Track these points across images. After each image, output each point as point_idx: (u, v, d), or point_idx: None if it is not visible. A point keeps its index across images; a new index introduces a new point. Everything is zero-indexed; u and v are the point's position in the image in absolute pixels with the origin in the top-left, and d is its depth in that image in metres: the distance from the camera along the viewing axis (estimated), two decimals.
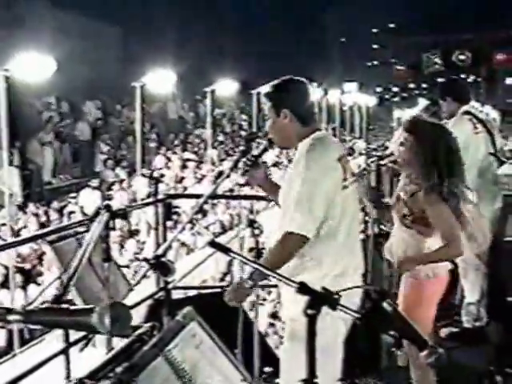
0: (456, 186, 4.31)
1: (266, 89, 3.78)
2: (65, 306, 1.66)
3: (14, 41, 14.92)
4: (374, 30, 67.02)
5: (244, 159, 3.86)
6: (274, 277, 2.57)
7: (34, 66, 13.00)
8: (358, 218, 3.88)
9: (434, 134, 4.39)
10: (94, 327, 1.57)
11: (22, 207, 15.26)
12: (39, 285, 11.73)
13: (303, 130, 3.68)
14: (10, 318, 1.62)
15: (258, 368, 4.53)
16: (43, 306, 1.66)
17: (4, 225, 12.33)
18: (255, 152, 3.88)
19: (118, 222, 14.08)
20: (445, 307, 6.96)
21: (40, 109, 20.64)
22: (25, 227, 13.96)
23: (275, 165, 21.25)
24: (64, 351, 4.44)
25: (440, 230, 4.29)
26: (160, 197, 6.11)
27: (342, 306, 2.32)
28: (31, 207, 15.07)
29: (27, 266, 12.25)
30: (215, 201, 15.32)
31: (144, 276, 3.86)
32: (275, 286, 5.72)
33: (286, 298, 3.75)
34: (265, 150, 3.92)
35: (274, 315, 10.32)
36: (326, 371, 3.44)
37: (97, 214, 3.26)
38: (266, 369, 4.95)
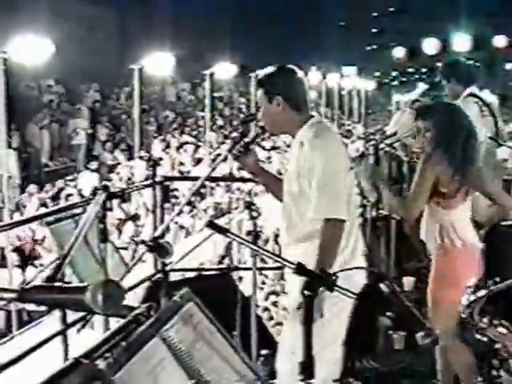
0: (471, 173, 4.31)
1: (258, 76, 3.79)
2: (58, 284, 1.66)
3: (11, 23, 14.87)
4: (374, 14, 66.81)
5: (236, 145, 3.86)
6: (272, 258, 2.58)
7: (32, 49, 13.00)
8: (357, 197, 3.94)
9: (455, 117, 4.38)
10: (87, 305, 1.57)
11: (23, 188, 15.32)
12: (37, 267, 11.77)
13: (298, 117, 3.70)
14: (5, 295, 1.62)
15: (256, 351, 4.54)
16: (37, 284, 1.66)
17: (2, 208, 12.34)
18: (246, 139, 3.88)
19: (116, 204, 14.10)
20: None
21: (38, 91, 20.60)
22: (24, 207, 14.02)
23: (273, 148, 21.26)
24: (62, 332, 4.45)
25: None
26: (157, 179, 6.10)
27: (339, 287, 2.32)
28: (32, 188, 15.10)
29: (25, 246, 12.29)
30: (213, 184, 15.33)
31: (141, 258, 3.85)
32: (274, 268, 5.73)
33: (291, 286, 3.77)
34: (256, 136, 3.93)
35: (270, 299, 10.36)
36: (326, 354, 3.47)
37: (94, 194, 3.25)
38: (263, 351, 4.96)
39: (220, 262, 12.93)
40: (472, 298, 3.53)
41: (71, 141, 19.30)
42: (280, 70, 3.76)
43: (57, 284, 1.63)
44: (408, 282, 6.96)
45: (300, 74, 3.78)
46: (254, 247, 2.67)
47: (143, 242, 3.41)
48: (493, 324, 3.44)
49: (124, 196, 13.58)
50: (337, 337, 3.72)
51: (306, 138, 3.63)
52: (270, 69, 3.78)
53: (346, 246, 3.63)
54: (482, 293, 3.49)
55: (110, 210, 13.22)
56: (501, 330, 3.44)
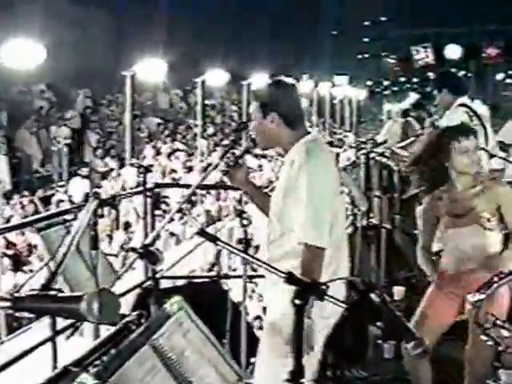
0: None
1: (255, 87, 3.73)
2: (53, 292, 1.66)
3: (3, 27, 14.83)
4: (366, 23, 66.94)
5: (225, 160, 3.81)
6: (262, 267, 2.57)
7: (24, 53, 12.96)
8: (344, 219, 3.88)
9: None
10: (82, 315, 1.56)
11: (8, 197, 15.24)
12: (27, 273, 11.73)
13: (292, 133, 3.61)
14: None
15: (245, 358, 4.54)
16: (32, 292, 1.66)
17: None
18: (237, 152, 3.82)
19: (107, 211, 14.08)
20: None
21: (30, 96, 20.56)
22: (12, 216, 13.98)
23: (264, 156, 21.25)
24: (51, 339, 4.44)
25: None
26: (148, 186, 6.10)
27: (329, 296, 2.32)
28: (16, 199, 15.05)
29: (15, 252, 12.25)
30: (204, 191, 15.33)
31: (131, 265, 3.85)
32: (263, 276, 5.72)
33: (268, 295, 3.75)
34: (246, 150, 3.88)
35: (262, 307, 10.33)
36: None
37: (85, 201, 3.25)
38: (253, 359, 4.96)
39: (210, 270, 12.92)
40: (477, 297, 3.55)
41: (51, 147, 19.21)
42: (277, 84, 3.68)
43: (51, 293, 1.63)
44: (398, 291, 6.97)
45: (297, 88, 3.71)
46: (244, 255, 2.67)
47: (133, 249, 3.40)
48: (497, 325, 3.46)
49: (115, 203, 13.58)
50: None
51: (297, 156, 3.55)
52: (267, 82, 3.70)
53: (329, 265, 3.54)
54: (488, 292, 3.51)
55: (102, 216, 13.21)
56: (503, 332, 3.45)
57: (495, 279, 3.74)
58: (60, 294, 1.64)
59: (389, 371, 5.71)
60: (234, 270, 13.12)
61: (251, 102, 3.76)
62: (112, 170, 18.35)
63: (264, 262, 2.58)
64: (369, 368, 5.69)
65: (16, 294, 1.64)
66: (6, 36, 12.61)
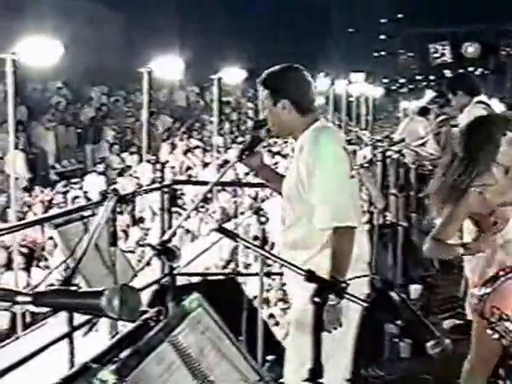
0: None
1: (263, 75, 3.68)
2: (73, 288, 1.66)
3: (20, 25, 14.89)
4: (382, 21, 66.78)
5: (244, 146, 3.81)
6: (283, 264, 2.56)
7: (41, 51, 12.96)
8: (360, 209, 3.85)
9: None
10: (102, 310, 1.56)
11: (29, 190, 15.33)
12: (44, 268, 11.78)
13: (302, 120, 3.60)
14: (19, 299, 1.62)
15: (262, 356, 4.54)
16: (52, 288, 1.65)
17: (8, 207, 12.35)
18: (251, 140, 3.81)
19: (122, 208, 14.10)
20: (448, 300, 7.00)
21: (47, 93, 20.64)
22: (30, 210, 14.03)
23: (279, 153, 21.23)
24: (68, 335, 4.45)
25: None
26: (166, 183, 6.10)
27: (350, 294, 2.31)
28: (37, 191, 15.12)
29: (32, 247, 12.30)
30: (219, 188, 15.33)
31: (149, 262, 3.85)
32: (280, 274, 5.72)
33: (291, 288, 3.75)
34: (260, 138, 3.85)
35: (277, 304, 10.33)
36: (336, 361, 3.45)
37: (104, 198, 3.25)
38: (269, 357, 4.96)
39: (225, 267, 12.92)
40: (483, 291, 3.52)
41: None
42: (286, 70, 3.65)
43: (72, 288, 1.62)
44: (415, 290, 6.95)
45: (306, 73, 3.66)
46: (263, 252, 2.65)
47: (150, 245, 3.40)
48: (502, 319, 3.43)
49: (134, 200, 13.59)
50: (346, 345, 3.69)
51: (307, 142, 3.55)
52: (275, 68, 3.66)
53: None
54: (494, 286, 3.48)
55: (121, 213, 13.22)
56: (508, 324, 3.43)
57: (501, 273, 3.71)
58: (80, 290, 1.64)
59: (405, 370, 5.70)
60: (248, 266, 13.12)
61: (261, 88, 3.71)
62: (129, 166, 18.37)
63: (284, 260, 2.56)
64: (385, 367, 5.68)
65: (36, 290, 1.64)
66: (24, 33, 12.62)
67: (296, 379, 3.58)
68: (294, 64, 3.70)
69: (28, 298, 1.61)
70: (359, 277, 2.69)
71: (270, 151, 20.32)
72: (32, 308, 1.59)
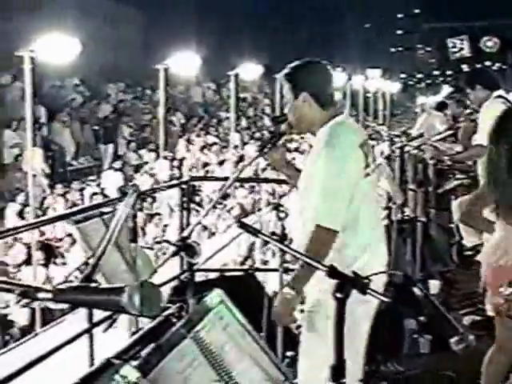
0: None
1: (284, 70, 3.69)
2: (94, 285, 1.65)
3: (38, 22, 14.92)
4: (399, 16, 66.58)
5: (264, 141, 3.81)
6: (305, 261, 2.55)
7: (59, 48, 13.00)
8: (377, 205, 3.81)
9: None
10: (123, 307, 1.55)
11: (52, 186, 15.41)
12: (62, 265, 11.83)
13: (323, 114, 3.58)
14: (40, 295, 1.61)
15: (282, 352, 4.53)
16: (73, 284, 1.65)
17: (27, 205, 12.40)
18: (272, 134, 3.82)
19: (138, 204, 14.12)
20: (468, 295, 6.96)
21: (65, 90, 20.71)
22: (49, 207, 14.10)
23: (297, 149, 21.22)
24: (88, 331, 4.46)
25: None
26: (184, 179, 6.11)
27: (372, 290, 2.29)
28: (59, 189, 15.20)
29: (50, 244, 12.36)
30: (237, 184, 15.33)
31: (169, 258, 3.83)
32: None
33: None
34: (284, 133, 3.85)
35: None
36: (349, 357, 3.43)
37: (124, 194, 3.24)
38: (289, 353, 4.94)
39: (243, 263, 12.92)
40: (510, 290, 3.49)
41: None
42: (306, 64, 3.65)
43: (92, 285, 1.62)
44: (434, 285, 6.92)
45: (327, 67, 3.67)
46: (286, 248, 2.64)
47: (168, 241, 3.41)
48: None
49: (154, 196, 13.61)
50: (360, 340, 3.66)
51: (323, 136, 3.53)
52: (295, 63, 3.66)
53: (361, 255, 3.52)
54: None
55: (141, 210, 13.24)
56: None
57: None
58: (101, 286, 1.63)
59: (424, 366, 5.67)
60: (265, 263, 13.11)
61: (283, 83, 3.70)
62: (146, 163, 18.41)
63: (306, 256, 2.54)
64: (404, 362, 5.65)
65: (58, 286, 1.63)
66: (42, 31, 12.66)
67: (308, 377, 3.58)
68: (315, 58, 3.69)
69: (49, 295, 1.61)
70: (381, 273, 2.67)
71: (285, 146, 20.27)
72: (52, 304, 1.58)
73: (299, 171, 3.88)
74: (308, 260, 2.49)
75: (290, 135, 3.96)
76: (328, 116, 3.58)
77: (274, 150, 3.82)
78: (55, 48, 12.83)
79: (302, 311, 3.72)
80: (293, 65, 3.67)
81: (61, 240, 12.50)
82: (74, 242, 11.38)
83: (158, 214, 14.66)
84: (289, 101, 3.66)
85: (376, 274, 2.44)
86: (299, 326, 4.09)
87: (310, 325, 3.60)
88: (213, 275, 6.61)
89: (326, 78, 3.66)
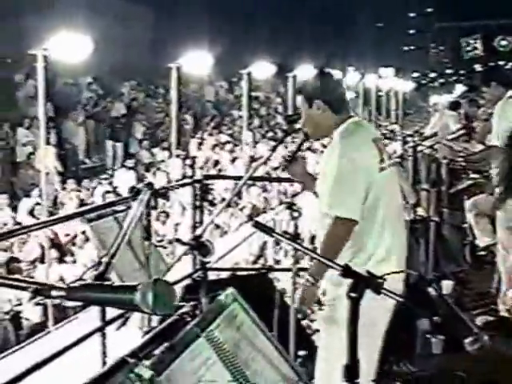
0: None
1: (297, 84, 3.81)
2: (107, 282, 1.65)
3: (51, 21, 14.95)
4: (412, 15, 66.42)
5: (283, 154, 3.88)
6: (319, 260, 2.55)
7: (72, 46, 13.04)
8: (397, 201, 3.82)
9: None
10: (136, 305, 1.55)
11: (63, 182, 15.46)
12: (71, 263, 11.87)
13: (337, 118, 3.69)
14: (54, 293, 1.61)
15: (294, 351, 4.52)
16: (87, 282, 1.65)
17: (39, 204, 12.44)
18: (293, 147, 3.91)
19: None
20: (481, 296, 6.94)
21: (78, 89, 20.73)
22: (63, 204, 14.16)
23: (309, 148, 21.20)
24: (100, 329, 4.46)
25: None
26: (198, 178, 6.10)
27: (386, 290, 2.28)
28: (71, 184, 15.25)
29: (61, 242, 12.40)
30: (249, 183, 15.36)
31: (181, 257, 3.83)
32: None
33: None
34: (301, 144, 3.93)
35: None
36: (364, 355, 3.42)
37: (138, 192, 3.24)
38: (301, 352, 4.93)
39: (255, 262, 12.93)
40: None
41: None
42: (317, 74, 3.79)
43: (106, 283, 1.61)
44: (447, 285, 6.89)
45: (337, 76, 3.82)
46: (300, 247, 2.64)
47: (179, 240, 3.41)
48: None
49: (168, 194, 13.62)
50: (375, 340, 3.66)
51: (337, 137, 3.63)
52: (307, 75, 3.83)
53: (377, 247, 3.56)
54: None
55: (155, 208, 13.26)
56: None
57: None
58: (114, 284, 1.63)
59: (437, 366, 5.65)
60: (278, 262, 13.12)
61: (297, 95, 3.87)
62: (163, 161, 18.39)
63: (319, 255, 2.54)
64: (417, 363, 5.63)
65: (71, 284, 1.63)
66: (54, 29, 12.69)
67: (327, 377, 3.58)
68: (323, 69, 3.85)
69: (63, 293, 1.60)
70: (396, 272, 2.66)
71: (304, 158, 20.27)
72: (65, 302, 1.58)
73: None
74: (323, 259, 2.49)
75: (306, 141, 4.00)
76: (341, 119, 3.70)
77: (295, 163, 3.91)
78: (68, 46, 12.85)
79: (320, 305, 3.72)
80: (304, 79, 3.88)
81: (73, 238, 12.54)
82: (87, 239, 11.41)
83: (164, 212, 14.67)
84: (304, 111, 3.79)
85: (392, 273, 2.43)
86: (317, 330, 4.10)
87: (328, 318, 3.63)
88: (224, 274, 6.61)
89: (336, 84, 3.80)
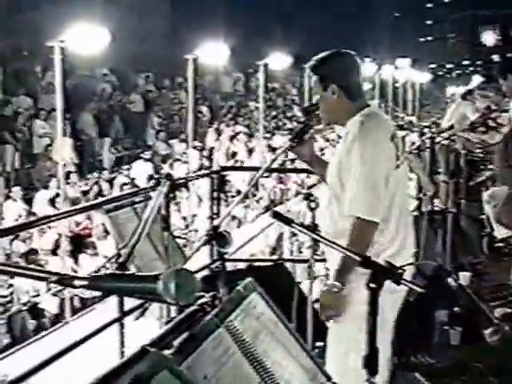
0: None
1: (312, 62, 3.65)
2: (129, 272, 1.65)
3: (68, 13, 14.98)
4: (429, 5, 66.09)
5: (292, 135, 3.79)
6: (338, 250, 2.54)
7: (89, 38, 13.05)
8: (408, 197, 3.79)
9: None
10: (158, 294, 1.55)
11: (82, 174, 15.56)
12: (92, 255, 11.92)
13: (352, 105, 3.56)
14: (76, 283, 1.62)
15: (311, 342, 4.51)
16: (109, 271, 1.65)
17: (58, 195, 12.47)
18: (298, 128, 3.79)
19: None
20: (498, 287, 6.91)
21: (94, 80, 20.78)
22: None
23: (326, 139, 21.17)
24: (119, 319, 4.48)
25: None
26: (214, 169, 6.11)
27: (406, 280, 2.28)
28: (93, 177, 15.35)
29: (81, 234, 12.47)
30: (266, 174, 15.35)
31: (200, 247, 3.83)
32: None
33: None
34: (310, 125, 3.82)
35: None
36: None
37: (158, 183, 3.25)
38: (318, 343, 4.93)
39: (272, 253, 12.94)
40: None
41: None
42: (335, 55, 3.63)
43: (128, 272, 1.62)
44: (464, 277, 6.87)
45: (355, 58, 3.63)
46: (319, 238, 2.63)
47: (196, 231, 3.42)
48: None
49: (187, 185, 13.64)
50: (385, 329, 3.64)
51: (352, 129, 3.50)
52: (324, 54, 3.63)
53: (391, 244, 3.50)
54: None
55: (174, 198, 13.27)
56: None
57: None
58: (137, 274, 1.63)
59: (455, 357, 5.63)
60: (293, 253, 13.10)
61: (311, 78, 3.68)
62: (185, 153, 18.35)
63: (340, 246, 2.53)
64: (435, 354, 5.61)
65: (94, 274, 1.64)
66: (71, 21, 12.71)
67: (340, 367, 3.56)
68: (342, 49, 3.67)
69: (84, 282, 1.61)
70: (412, 264, 2.65)
71: (312, 139, 20.25)
72: (86, 292, 1.58)
73: (327, 163, 3.86)
74: (340, 249, 2.48)
75: (319, 125, 3.93)
76: (357, 107, 3.57)
77: (303, 143, 3.79)
78: (85, 38, 12.87)
79: None
80: (320, 56, 3.64)
81: (91, 229, 12.60)
82: (106, 232, 11.45)
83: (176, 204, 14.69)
84: (317, 93, 3.64)
85: (409, 264, 2.42)
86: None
87: (345, 314, 3.58)
88: (242, 265, 6.61)
89: (354, 69, 3.64)
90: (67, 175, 14.48)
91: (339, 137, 3.93)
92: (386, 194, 3.47)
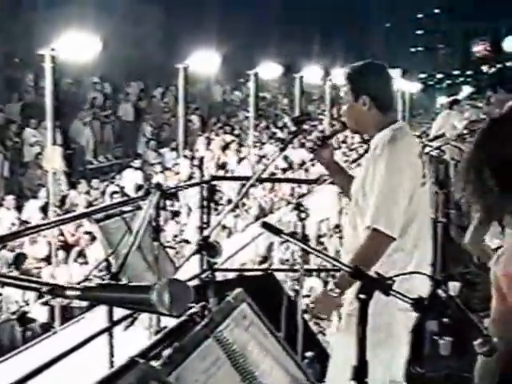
0: None
1: (347, 70, 3.67)
2: (123, 282, 1.65)
3: (59, 20, 14.97)
4: (419, 16, 66.33)
5: (312, 138, 3.81)
6: (329, 261, 2.53)
7: (80, 46, 13.06)
8: (429, 216, 3.77)
9: None
10: (152, 305, 1.54)
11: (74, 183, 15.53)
12: (82, 264, 11.89)
13: (382, 118, 3.56)
14: (68, 293, 1.61)
15: (301, 352, 4.51)
16: (101, 282, 1.65)
17: (47, 203, 12.46)
18: (326, 133, 3.84)
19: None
20: (488, 298, 6.91)
21: (84, 89, 20.76)
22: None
23: (353, 149, 21.16)
24: (108, 329, 4.46)
25: None
26: (205, 178, 6.10)
27: (395, 291, 2.28)
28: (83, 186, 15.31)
29: (70, 243, 12.44)
30: (256, 184, 15.35)
31: (190, 257, 3.83)
32: (319, 270, 5.70)
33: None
34: (336, 132, 3.84)
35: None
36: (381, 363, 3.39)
37: (148, 193, 3.24)
38: (308, 353, 4.93)
39: (262, 263, 12.93)
40: None
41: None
42: (369, 66, 3.66)
43: (121, 283, 1.61)
44: (454, 287, 6.89)
45: (389, 72, 3.68)
46: (309, 249, 2.63)
47: (187, 241, 3.42)
48: None
49: (177, 195, 13.64)
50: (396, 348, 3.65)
51: (380, 143, 3.50)
52: (361, 63, 3.66)
53: (407, 263, 3.50)
54: None
55: (164, 208, 13.26)
56: None
57: None
58: (130, 284, 1.63)
59: (446, 368, 5.64)
60: (284, 262, 13.10)
61: (344, 86, 3.69)
62: (177, 164, 18.36)
63: (330, 256, 2.53)
64: (425, 364, 5.62)
65: (86, 284, 1.63)
66: (63, 29, 12.72)
67: (340, 379, 3.55)
68: (377, 62, 3.73)
69: (77, 292, 1.60)
70: (405, 274, 2.64)
71: (332, 145, 20.31)
72: (73, 302, 1.58)
73: (347, 173, 3.87)
74: (331, 260, 2.48)
75: (343, 132, 3.94)
76: (386, 121, 3.57)
77: (324, 148, 3.80)
78: (76, 46, 12.88)
79: (339, 318, 3.70)
80: (357, 65, 3.67)
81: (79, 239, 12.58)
82: (93, 240, 11.43)
83: (177, 213, 14.71)
84: (348, 101, 3.66)
85: (402, 274, 2.42)
86: (320, 332, 4.09)
87: (347, 327, 3.55)
88: (231, 275, 6.61)
89: (387, 81, 3.66)
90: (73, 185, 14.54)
91: (366, 151, 3.91)
92: (409, 210, 3.44)
